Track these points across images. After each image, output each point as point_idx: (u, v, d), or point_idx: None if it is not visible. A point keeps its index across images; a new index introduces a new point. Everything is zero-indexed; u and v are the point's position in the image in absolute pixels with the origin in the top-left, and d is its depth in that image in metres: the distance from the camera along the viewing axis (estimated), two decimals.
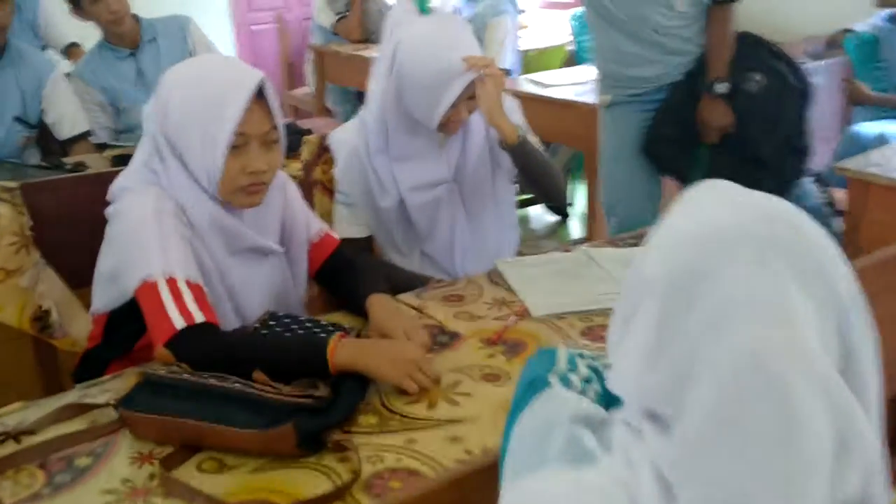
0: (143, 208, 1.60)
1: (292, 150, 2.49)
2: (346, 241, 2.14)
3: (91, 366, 1.79)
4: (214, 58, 1.74)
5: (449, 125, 2.10)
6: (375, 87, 2.16)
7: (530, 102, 3.70)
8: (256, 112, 1.58)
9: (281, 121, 1.65)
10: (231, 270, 1.70)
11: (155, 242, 1.57)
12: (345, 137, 2.22)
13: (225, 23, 6.05)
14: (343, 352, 1.48)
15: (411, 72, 2.05)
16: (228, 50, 6.04)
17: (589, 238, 3.66)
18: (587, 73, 4.00)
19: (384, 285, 1.80)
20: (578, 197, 4.81)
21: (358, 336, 1.66)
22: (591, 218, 3.62)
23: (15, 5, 3.12)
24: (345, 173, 2.20)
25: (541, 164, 2.14)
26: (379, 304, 1.71)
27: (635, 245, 2.16)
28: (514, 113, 2.25)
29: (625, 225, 2.84)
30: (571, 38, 4.99)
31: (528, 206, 4.66)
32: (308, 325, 1.65)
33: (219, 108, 1.54)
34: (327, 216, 2.29)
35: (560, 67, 4.74)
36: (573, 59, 4.89)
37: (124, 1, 3.24)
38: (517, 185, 2.36)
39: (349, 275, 1.87)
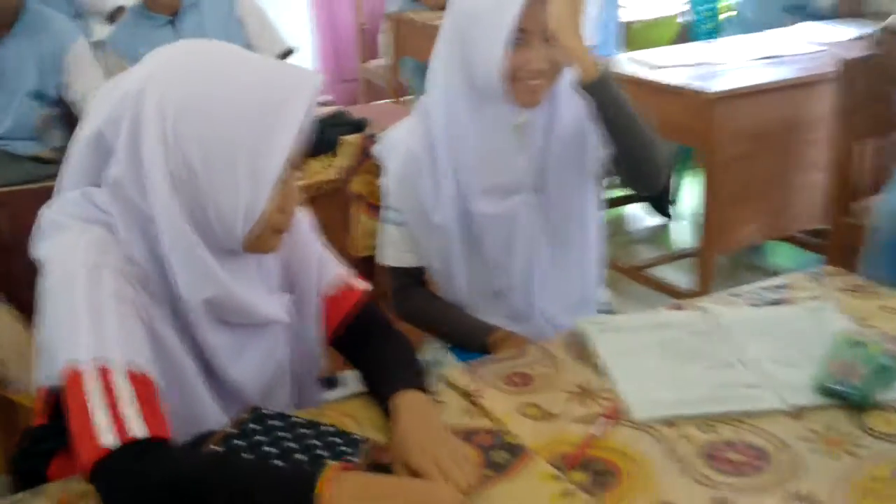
0: (74, 260, 1.13)
1: (329, 148, 1.99)
2: (394, 273, 1.77)
3: (34, 451, 1.33)
4: (253, 60, 1.18)
5: (520, 85, 1.57)
6: (437, 62, 1.65)
7: (632, 88, 3.15)
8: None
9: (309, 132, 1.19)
10: (213, 344, 1.22)
11: (85, 313, 1.09)
12: (398, 138, 1.71)
13: None
14: (341, 497, 0.98)
15: (465, 3, 1.57)
16: (302, 17, 5.57)
17: (703, 251, 3.06)
18: (704, 51, 3.39)
19: (417, 372, 1.31)
20: (686, 197, 4.22)
21: (373, 466, 1.15)
22: (707, 227, 3.02)
23: None
24: (396, 183, 1.69)
25: (632, 119, 1.57)
26: (408, 412, 1.21)
27: (781, 301, 1.60)
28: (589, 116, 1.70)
29: None
30: (688, 6, 4.34)
31: (622, 204, 4.08)
32: (304, 431, 1.15)
33: (267, 130, 1.10)
34: (370, 238, 1.80)
35: (670, 44, 4.12)
36: (686, 34, 4.26)
37: None
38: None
39: (372, 349, 1.38)
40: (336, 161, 1.85)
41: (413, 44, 4.34)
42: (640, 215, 4.18)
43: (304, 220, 1.38)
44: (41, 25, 2.76)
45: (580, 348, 1.47)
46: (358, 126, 2.33)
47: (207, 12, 2.95)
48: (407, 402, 1.22)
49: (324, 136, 1.91)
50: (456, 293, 1.76)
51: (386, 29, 4.59)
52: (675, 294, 3.20)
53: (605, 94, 1.53)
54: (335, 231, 1.98)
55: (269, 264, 1.30)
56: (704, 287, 2.97)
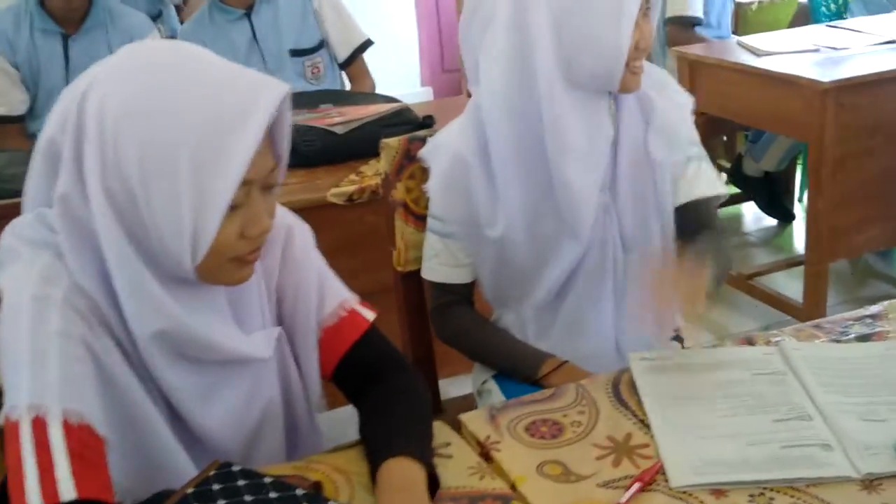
0: (21, 293, 1.00)
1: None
2: (435, 289, 1.59)
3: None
4: (204, 63, 1.01)
5: (630, 66, 1.39)
6: (494, 53, 1.41)
7: (737, 78, 2.90)
8: (262, 143, 0.98)
9: (286, 149, 1.06)
10: (174, 385, 1.07)
11: (27, 354, 0.97)
12: (444, 139, 1.53)
13: None
14: None
15: None
16: (405, 7, 5.43)
17: (811, 258, 2.75)
18: (820, 35, 3.07)
19: (419, 435, 1.11)
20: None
21: None
22: (814, 231, 2.72)
23: None
24: (441, 190, 1.51)
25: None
26: (391, 490, 1.02)
27: (872, 336, 1.35)
28: (681, 123, 1.49)
29: None
30: None
31: (736, 202, 3.77)
32: (273, 496, 1.00)
33: (216, 145, 0.95)
34: (414, 251, 1.64)
35: (788, 27, 3.78)
36: (807, 17, 3.90)
37: None
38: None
39: (374, 394, 1.19)
40: (380, 166, 1.68)
41: None
42: (758, 215, 3.84)
43: (300, 238, 1.22)
44: (111, 21, 2.71)
45: (629, 390, 1.26)
46: (421, 126, 2.17)
47: (283, 4, 2.84)
48: (394, 476, 1.03)
49: (378, 137, 1.75)
50: (504, 315, 1.58)
51: None
52: (784, 307, 2.90)
53: None
54: (373, 240, 1.83)
55: (250, 295, 1.14)
56: (813, 300, 2.67)
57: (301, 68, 2.85)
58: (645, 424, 1.18)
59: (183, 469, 1.07)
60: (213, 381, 1.10)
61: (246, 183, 0.98)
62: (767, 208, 3.74)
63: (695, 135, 1.52)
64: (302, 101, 2.41)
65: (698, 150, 1.51)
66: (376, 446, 1.09)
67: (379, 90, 2.89)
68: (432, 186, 1.53)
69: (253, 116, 0.95)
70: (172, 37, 2.95)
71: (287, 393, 1.20)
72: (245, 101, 0.96)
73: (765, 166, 3.59)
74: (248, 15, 2.82)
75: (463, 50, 1.48)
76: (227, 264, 1.04)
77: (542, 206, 1.45)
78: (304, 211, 2.01)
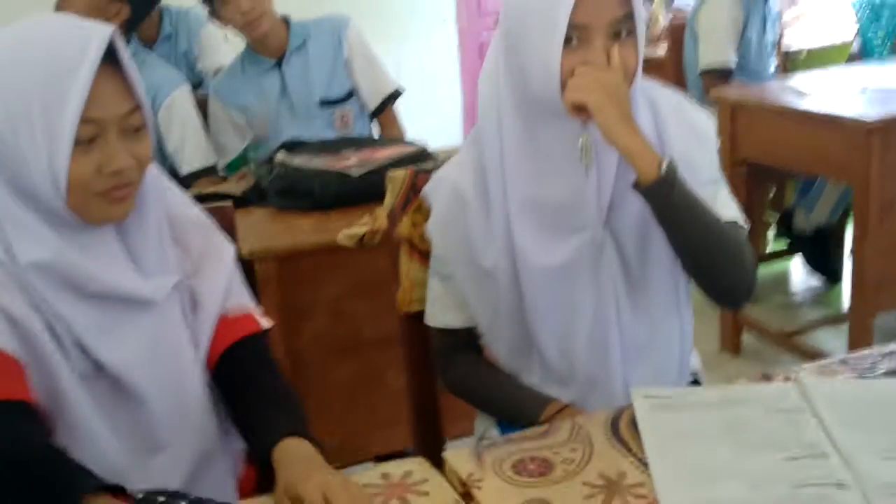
0: None
1: None
2: (437, 335, 1.50)
3: None
4: (44, 18, 1.21)
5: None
6: (486, 79, 1.39)
7: (780, 120, 2.80)
8: (109, 86, 1.13)
9: (144, 94, 1.17)
10: (69, 318, 1.16)
11: None
12: (444, 173, 1.46)
13: (449, 30, 5.46)
14: None
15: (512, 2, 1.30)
16: (451, 61, 5.46)
17: (855, 311, 2.60)
18: (868, 75, 2.95)
19: (301, 418, 1.21)
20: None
21: None
22: (859, 282, 2.57)
23: None
24: (440, 227, 1.43)
25: (702, 230, 1.27)
26: (295, 458, 1.11)
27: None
28: (701, 142, 1.38)
29: None
30: (856, 27, 3.87)
31: (778, 257, 3.61)
32: None
33: (56, 87, 1.10)
34: (419, 290, 1.56)
35: None
36: (858, 60, 3.79)
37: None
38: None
39: (251, 387, 1.27)
40: (385, 200, 1.62)
41: None
42: (805, 273, 3.67)
43: (221, 239, 1.35)
44: (141, 73, 2.73)
45: (628, 428, 1.16)
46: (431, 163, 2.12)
47: (313, 53, 2.82)
48: (293, 450, 1.12)
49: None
50: (508, 358, 1.47)
51: None
52: None
53: (665, 199, 1.25)
54: (385, 285, 1.75)
55: (146, 240, 1.23)
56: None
57: (331, 118, 2.82)
58: (642, 463, 1.08)
59: (80, 402, 1.15)
60: (112, 316, 1.18)
61: (94, 120, 1.11)
62: (815, 266, 3.57)
63: (714, 159, 1.41)
64: (325, 147, 2.38)
65: (716, 174, 1.40)
66: (262, 432, 1.17)
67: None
68: (431, 226, 1.45)
69: (86, 57, 1.09)
70: (205, 100, 2.95)
71: (197, 349, 1.26)
72: (78, 46, 1.10)
73: (816, 219, 3.44)
74: (279, 65, 2.82)
75: None
76: (94, 200, 1.14)
77: None
78: (313, 253, 2.01)
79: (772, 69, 3.61)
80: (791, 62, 3.88)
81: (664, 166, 1.22)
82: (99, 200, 1.15)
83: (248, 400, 1.25)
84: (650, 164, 1.22)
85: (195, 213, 1.34)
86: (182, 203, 1.33)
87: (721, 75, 3.37)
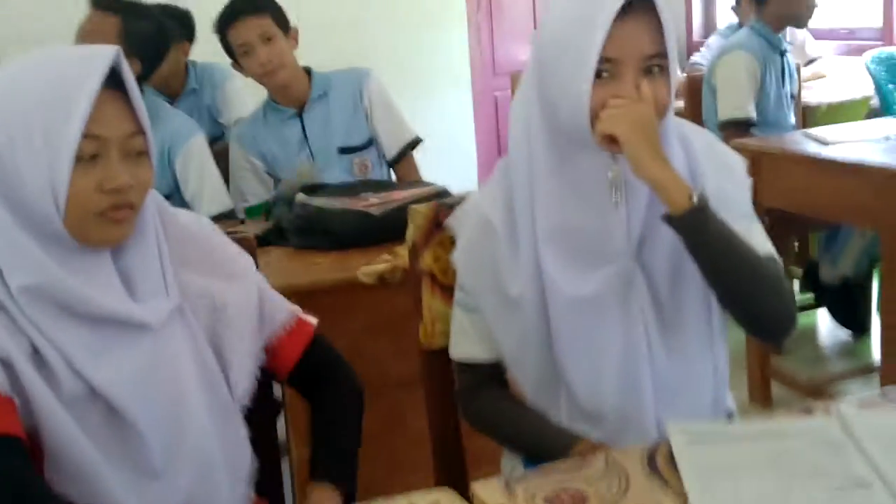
0: None
1: None
2: (466, 369, 1.46)
3: None
4: (50, 47, 1.23)
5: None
6: (517, 108, 1.38)
7: (803, 168, 2.78)
8: (113, 107, 1.16)
9: (147, 121, 1.20)
10: (59, 340, 1.15)
11: None
12: (471, 204, 1.44)
13: (463, 89, 5.53)
14: None
15: (545, 29, 1.33)
16: (465, 118, 5.52)
17: (885, 363, 2.54)
18: (889, 126, 2.93)
19: (345, 455, 1.38)
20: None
21: None
22: (886, 329, 2.51)
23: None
24: (466, 257, 1.42)
25: (736, 263, 1.25)
26: None
27: None
28: (733, 178, 1.37)
29: None
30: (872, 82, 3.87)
31: (807, 309, 3.56)
32: None
33: (59, 104, 1.13)
34: (441, 324, 1.52)
35: None
36: (878, 117, 3.77)
37: (279, 51, 2.71)
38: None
39: (319, 403, 1.43)
40: (407, 234, 1.59)
41: None
42: (832, 325, 3.60)
43: (240, 253, 1.38)
44: (158, 120, 2.74)
45: (666, 462, 1.11)
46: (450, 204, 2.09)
47: (334, 103, 2.84)
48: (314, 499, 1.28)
49: None
50: (534, 393, 1.42)
51: None
52: None
53: (698, 231, 1.23)
54: (405, 323, 1.71)
55: (147, 264, 1.22)
56: None
57: (349, 165, 2.82)
58: (681, 496, 1.02)
59: (67, 429, 1.13)
60: (105, 339, 1.17)
61: (96, 137, 1.12)
62: (842, 319, 3.51)
63: (747, 195, 1.39)
64: (344, 189, 2.37)
65: (749, 210, 1.38)
66: (313, 462, 1.36)
67: None
68: (458, 255, 1.43)
69: (86, 76, 1.12)
70: (226, 151, 2.96)
71: (206, 373, 1.25)
72: (82, 66, 1.14)
73: (842, 269, 3.39)
74: (300, 114, 2.82)
75: None
76: (93, 220, 1.14)
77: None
78: (333, 291, 1.97)
79: (791, 122, 3.60)
80: (810, 116, 3.87)
81: (695, 197, 1.21)
82: (97, 220, 1.15)
83: (314, 420, 1.41)
84: (680, 196, 1.22)
85: (208, 232, 1.36)
86: (194, 223, 1.35)
87: (741, 127, 3.36)
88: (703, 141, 1.39)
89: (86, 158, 1.13)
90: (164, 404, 1.21)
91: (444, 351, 1.55)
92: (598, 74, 1.24)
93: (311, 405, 1.43)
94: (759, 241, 1.34)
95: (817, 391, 2.93)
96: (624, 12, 1.22)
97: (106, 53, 1.15)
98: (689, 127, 1.40)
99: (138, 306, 1.19)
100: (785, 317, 1.29)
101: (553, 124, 1.30)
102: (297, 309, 1.41)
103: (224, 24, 2.71)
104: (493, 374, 1.44)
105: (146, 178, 1.20)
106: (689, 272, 1.31)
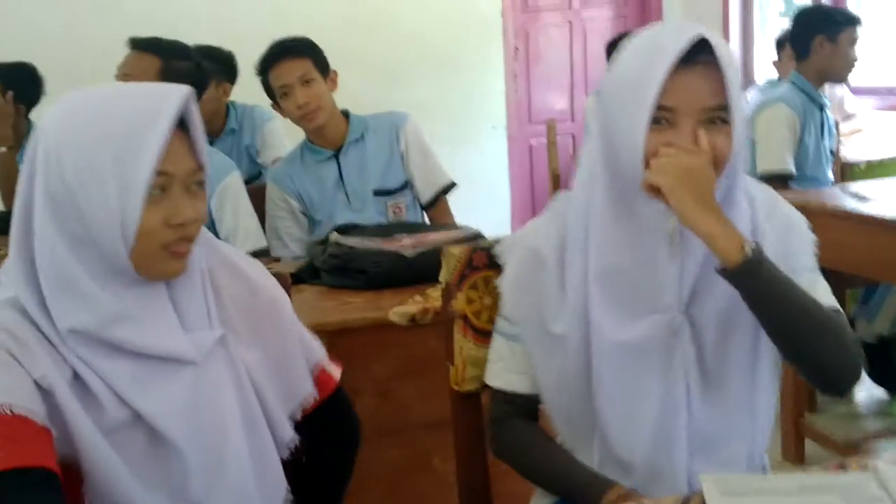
0: None
1: None
2: (495, 397, 1.45)
3: None
4: (115, 84, 1.38)
5: None
6: (583, 151, 1.41)
7: (842, 224, 2.71)
8: (178, 145, 1.19)
9: (206, 157, 1.24)
10: (110, 369, 1.17)
11: None
12: (521, 235, 1.45)
13: (499, 135, 5.57)
14: None
15: (610, 75, 1.32)
16: (500, 165, 5.55)
17: None
18: None
19: None
20: None
21: None
22: None
23: None
24: (512, 286, 1.42)
25: (795, 315, 1.24)
26: None
27: None
28: (795, 232, 1.36)
29: None
30: None
31: None
32: None
33: (133, 141, 1.15)
34: (472, 368, 1.52)
35: None
36: None
37: (317, 93, 2.74)
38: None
39: (315, 459, 1.42)
40: (441, 276, 1.59)
41: None
42: (868, 383, 3.53)
43: (276, 288, 1.40)
44: None
45: None
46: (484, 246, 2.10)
47: (371, 145, 2.86)
48: None
49: None
50: (569, 436, 1.42)
51: None
52: None
53: (753, 283, 1.22)
54: (435, 365, 1.70)
55: (193, 296, 1.25)
56: None
57: (384, 208, 2.84)
58: None
59: (107, 457, 1.14)
60: (148, 370, 1.18)
61: (165, 174, 1.15)
62: (878, 377, 3.44)
63: (810, 250, 1.37)
64: (378, 230, 2.38)
65: (813, 263, 1.36)
66: None
67: None
68: (504, 282, 1.43)
69: (162, 114, 1.14)
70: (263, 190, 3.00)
71: (246, 405, 1.27)
72: (154, 104, 1.16)
73: (879, 327, 3.33)
74: (336, 155, 2.85)
75: None
76: (158, 253, 1.17)
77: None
78: (364, 330, 1.97)
79: (829, 177, 3.57)
80: (848, 172, 3.84)
81: (748, 249, 1.20)
82: (161, 253, 1.18)
83: (307, 470, 1.39)
84: (732, 248, 1.20)
85: (249, 266, 1.37)
86: (236, 256, 1.37)
87: (779, 180, 3.34)
88: (766, 197, 1.38)
89: (155, 193, 1.16)
90: (207, 433, 1.22)
91: (475, 394, 1.54)
92: (656, 121, 1.24)
93: (308, 453, 1.40)
94: (823, 294, 1.33)
95: (851, 450, 2.87)
96: (686, 62, 1.22)
97: (178, 93, 1.18)
98: (750, 181, 1.38)
99: (188, 342, 1.22)
100: (849, 368, 1.27)
101: (614, 169, 1.30)
102: (324, 356, 1.43)
103: (266, 66, 2.76)
104: (528, 407, 1.43)
105: (204, 211, 1.23)
106: (738, 327, 1.31)
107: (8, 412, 1.06)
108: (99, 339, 1.15)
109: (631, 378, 1.32)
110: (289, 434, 1.34)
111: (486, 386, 1.49)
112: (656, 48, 1.24)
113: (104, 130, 1.15)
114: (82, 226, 1.14)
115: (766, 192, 1.39)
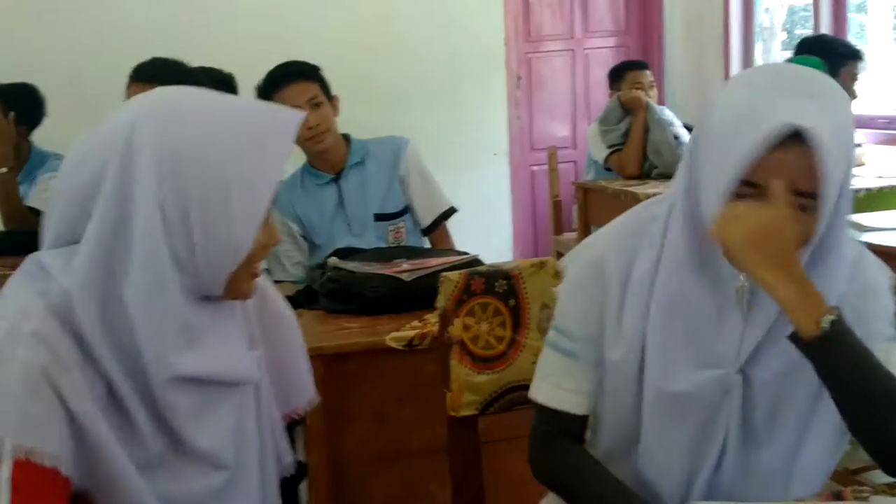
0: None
1: None
2: (542, 414, 1.35)
3: None
4: (224, 103, 1.20)
5: None
6: (671, 187, 1.31)
7: None
8: None
9: None
10: (178, 404, 1.13)
11: None
12: (588, 243, 1.37)
13: (501, 162, 5.59)
14: None
15: (705, 123, 1.21)
16: (502, 191, 5.58)
17: None
18: None
19: None
20: None
21: None
22: None
23: None
24: (570, 292, 1.33)
25: (871, 392, 1.15)
26: None
27: None
28: (874, 296, 1.26)
29: None
30: None
31: None
32: None
33: (259, 162, 1.12)
34: (469, 393, 1.52)
35: None
36: None
37: (325, 116, 2.76)
38: None
39: None
40: (438, 302, 1.59)
41: (602, 212, 4.09)
42: None
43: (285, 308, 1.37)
44: None
45: None
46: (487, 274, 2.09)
47: (371, 170, 2.87)
48: None
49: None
50: (603, 451, 1.35)
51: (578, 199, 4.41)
52: None
53: (826, 359, 1.13)
54: (432, 391, 1.69)
55: (239, 314, 1.24)
56: None
57: (384, 232, 2.84)
58: None
59: (137, 490, 1.09)
60: (207, 398, 1.16)
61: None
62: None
63: (889, 316, 1.28)
64: (377, 254, 2.38)
65: (890, 332, 1.26)
66: None
67: None
68: (562, 291, 1.34)
69: (278, 139, 1.13)
70: None
71: (259, 424, 1.25)
72: (272, 128, 1.14)
73: None
74: (336, 180, 2.86)
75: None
76: (247, 273, 1.16)
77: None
78: (361, 355, 1.97)
79: None
80: (855, 199, 3.84)
81: (827, 323, 1.11)
82: (248, 274, 1.17)
83: None
84: (810, 319, 1.11)
85: (268, 283, 1.37)
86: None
87: None
88: (853, 254, 1.26)
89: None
90: (241, 455, 1.21)
91: (470, 419, 1.54)
92: (740, 194, 1.15)
93: None
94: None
95: (848, 479, 2.84)
96: (783, 141, 1.11)
97: (297, 117, 1.17)
98: (847, 237, 1.26)
99: (251, 362, 1.22)
100: None
101: (693, 209, 1.22)
102: (308, 384, 1.40)
103: (272, 88, 2.75)
104: (577, 429, 1.35)
105: None
106: (794, 393, 1.24)
107: (23, 457, 0.99)
108: (181, 377, 1.11)
109: (670, 423, 1.26)
110: (289, 457, 1.33)
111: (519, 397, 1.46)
112: (754, 118, 1.13)
113: (233, 149, 1.10)
114: (187, 245, 1.09)
115: (854, 247, 1.27)
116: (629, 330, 1.26)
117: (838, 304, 1.15)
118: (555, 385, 1.32)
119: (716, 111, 1.19)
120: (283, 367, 1.32)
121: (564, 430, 1.34)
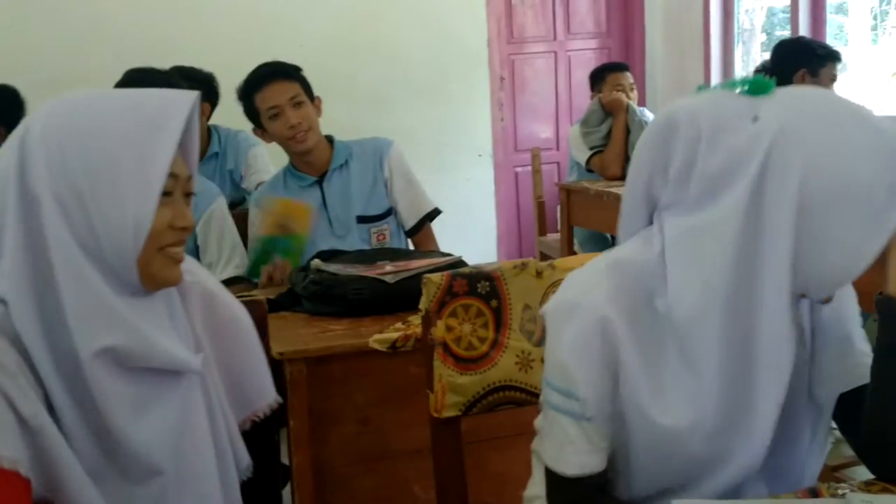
0: None
1: None
2: (573, 483, 1.25)
3: None
4: (122, 90, 1.33)
5: None
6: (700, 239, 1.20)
7: None
8: (178, 151, 1.20)
9: (196, 165, 1.27)
10: (115, 397, 1.15)
11: None
12: (581, 300, 1.23)
13: (485, 163, 5.61)
14: None
15: (821, 179, 1.12)
16: (487, 192, 5.59)
17: None
18: None
19: None
20: None
21: None
22: None
23: None
24: (580, 359, 1.21)
25: None
26: None
27: None
28: None
29: None
30: None
31: None
32: None
33: (148, 143, 1.16)
34: (452, 395, 1.52)
35: None
36: None
37: (307, 115, 2.75)
38: None
39: None
40: (421, 303, 1.59)
41: (584, 213, 4.13)
42: None
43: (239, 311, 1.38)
44: None
45: None
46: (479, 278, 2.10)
47: (355, 172, 2.86)
48: None
49: None
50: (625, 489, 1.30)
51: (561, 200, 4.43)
52: None
53: None
54: (415, 392, 1.68)
55: (178, 314, 1.25)
56: None
57: (367, 234, 2.84)
58: None
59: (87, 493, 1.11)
60: (146, 392, 1.17)
61: (174, 176, 1.17)
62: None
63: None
64: (360, 256, 2.38)
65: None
66: None
67: None
68: (567, 356, 1.21)
69: (171, 118, 1.16)
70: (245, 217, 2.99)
71: (214, 427, 1.26)
72: (163, 107, 1.18)
73: None
74: (319, 182, 2.85)
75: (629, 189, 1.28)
76: (159, 256, 1.17)
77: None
78: (344, 357, 1.97)
79: None
80: None
81: None
82: (162, 258, 1.18)
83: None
84: None
85: (217, 287, 1.38)
86: (199, 273, 1.36)
87: None
88: None
89: (165, 195, 1.16)
90: (188, 458, 1.22)
91: (454, 420, 1.54)
92: None
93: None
94: None
95: (832, 475, 2.87)
96: None
97: (190, 97, 1.19)
98: None
99: (189, 352, 1.23)
100: None
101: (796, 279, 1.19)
102: (267, 383, 1.41)
103: (253, 88, 2.75)
104: (600, 484, 1.27)
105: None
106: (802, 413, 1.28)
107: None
108: (117, 359, 1.14)
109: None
110: (246, 459, 1.34)
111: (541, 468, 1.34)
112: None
113: (119, 134, 1.14)
114: (90, 231, 1.12)
115: None
116: (669, 384, 1.21)
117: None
118: (575, 452, 1.24)
119: (825, 175, 1.13)
120: (238, 370, 1.34)
121: (595, 488, 1.27)
